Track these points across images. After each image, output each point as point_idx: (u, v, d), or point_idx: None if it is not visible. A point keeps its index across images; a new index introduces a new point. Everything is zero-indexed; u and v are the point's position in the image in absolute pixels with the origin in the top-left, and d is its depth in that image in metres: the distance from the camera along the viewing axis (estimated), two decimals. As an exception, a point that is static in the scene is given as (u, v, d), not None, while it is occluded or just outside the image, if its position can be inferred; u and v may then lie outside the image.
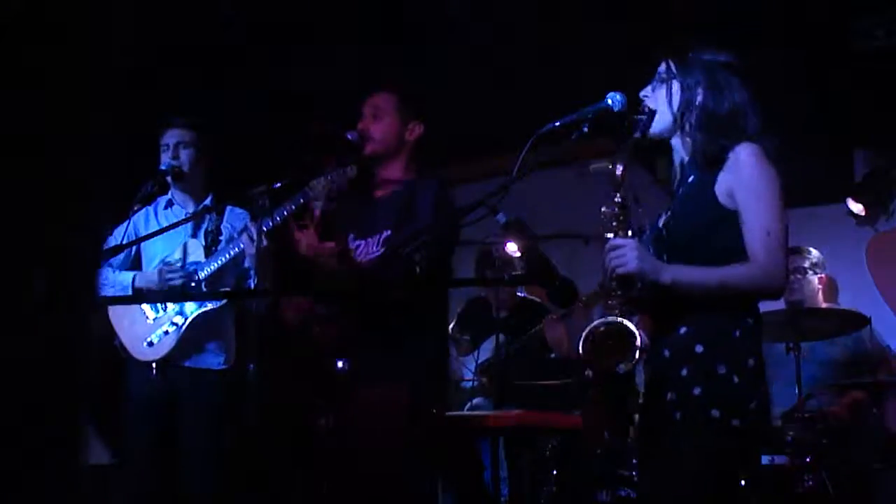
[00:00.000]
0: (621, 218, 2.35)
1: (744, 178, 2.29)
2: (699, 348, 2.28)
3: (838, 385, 4.27)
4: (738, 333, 2.28)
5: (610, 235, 2.34)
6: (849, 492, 3.73)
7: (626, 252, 2.27)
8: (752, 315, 2.33)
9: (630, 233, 2.34)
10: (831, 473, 3.70)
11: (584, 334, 2.30)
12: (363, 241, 3.26)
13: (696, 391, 2.26)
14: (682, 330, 2.32)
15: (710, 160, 2.35)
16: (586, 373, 2.37)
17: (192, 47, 5.17)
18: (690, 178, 2.42)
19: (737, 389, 2.24)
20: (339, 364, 3.24)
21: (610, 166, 2.41)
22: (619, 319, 2.26)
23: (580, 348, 2.29)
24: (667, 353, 2.33)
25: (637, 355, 2.22)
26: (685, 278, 2.27)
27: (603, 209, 2.37)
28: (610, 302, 2.32)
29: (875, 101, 4.79)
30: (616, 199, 2.35)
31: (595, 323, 2.30)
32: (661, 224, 2.44)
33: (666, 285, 2.27)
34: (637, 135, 2.42)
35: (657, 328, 2.37)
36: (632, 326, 2.24)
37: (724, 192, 2.32)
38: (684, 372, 2.29)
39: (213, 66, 5.31)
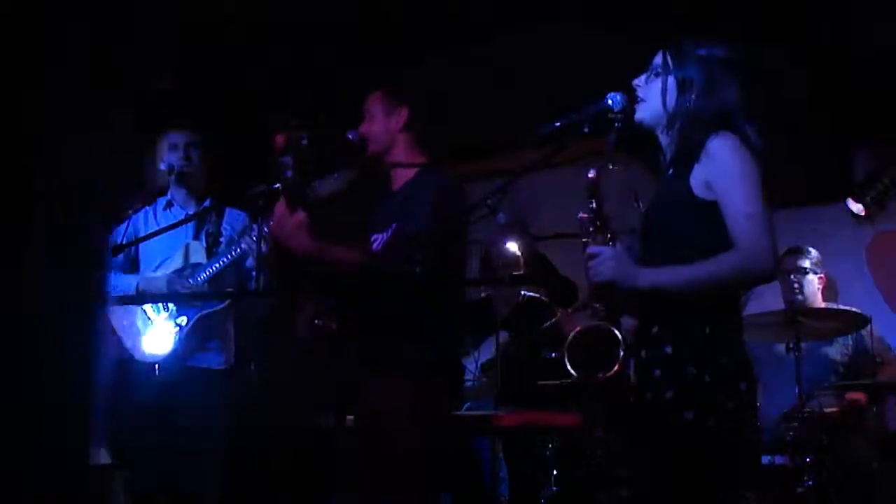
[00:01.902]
0: (598, 223, 2.35)
1: (720, 167, 2.27)
2: (668, 349, 2.26)
3: (838, 385, 4.27)
4: (707, 331, 2.24)
5: (587, 240, 2.35)
6: (849, 492, 3.73)
7: (601, 261, 2.28)
8: (725, 312, 2.29)
9: (609, 235, 2.34)
10: (831, 473, 3.70)
11: (568, 339, 2.31)
12: (379, 235, 3.29)
13: (669, 394, 2.23)
14: (654, 329, 2.31)
15: (687, 155, 2.34)
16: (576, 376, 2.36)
17: (193, 47, 5.17)
18: (669, 172, 2.42)
19: (709, 389, 2.20)
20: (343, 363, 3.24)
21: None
22: (602, 324, 2.27)
23: (565, 354, 2.30)
24: (643, 353, 2.33)
25: (620, 360, 2.22)
26: (667, 280, 2.25)
27: (580, 215, 2.38)
28: (595, 305, 2.32)
29: (875, 100, 4.78)
30: (591, 206, 2.36)
31: (579, 328, 2.31)
32: (642, 220, 2.44)
33: (646, 290, 2.26)
34: (613, 135, 2.41)
35: (639, 327, 2.37)
36: (615, 331, 2.25)
37: (699, 184, 2.30)
38: (657, 373, 2.27)
39: (214, 65, 5.31)
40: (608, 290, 2.29)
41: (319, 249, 3.06)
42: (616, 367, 2.23)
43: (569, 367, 2.31)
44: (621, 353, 2.23)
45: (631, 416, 2.36)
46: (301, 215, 3.02)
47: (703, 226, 2.28)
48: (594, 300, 2.32)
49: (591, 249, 2.32)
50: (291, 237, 3.02)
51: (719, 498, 2.25)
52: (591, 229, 2.36)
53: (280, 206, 3.05)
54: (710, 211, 2.27)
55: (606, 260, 2.28)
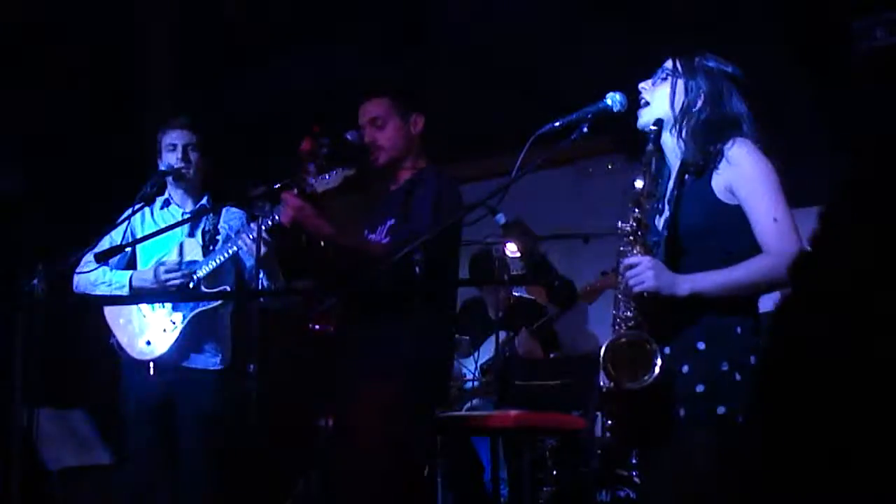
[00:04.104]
0: (639, 233, 2.33)
1: (742, 173, 2.30)
2: (701, 345, 2.29)
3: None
4: (739, 330, 2.29)
5: (627, 249, 2.34)
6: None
7: (641, 270, 2.27)
8: (752, 313, 2.34)
9: (647, 246, 2.33)
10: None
11: (604, 348, 2.31)
12: (373, 233, 3.30)
13: (700, 388, 2.27)
14: (684, 327, 2.33)
15: (702, 165, 2.36)
16: (603, 383, 2.36)
17: (192, 45, 5.18)
18: (686, 179, 2.43)
19: (740, 386, 2.24)
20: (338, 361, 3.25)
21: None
22: (642, 334, 2.28)
23: (601, 360, 2.30)
24: (668, 350, 2.33)
25: (657, 369, 2.23)
26: (705, 285, 2.28)
27: (619, 224, 2.36)
28: (628, 313, 2.32)
29: (875, 101, 4.78)
30: (635, 214, 2.34)
31: (616, 336, 2.31)
32: (661, 226, 2.44)
33: (686, 296, 2.28)
34: (650, 146, 2.40)
35: (660, 325, 2.37)
36: (653, 342, 2.26)
37: (722, 189, 2.32)
38: (685, 369, 2.29)
39: (212, 64, 5.31)
40: (648, 300, 2.29)
41: (337, 234, 3.10)
42: (653, 377, 2.24)
43: (604, 377, 2.31)
44: (658, 363, 2.23)
45: (653, 410, 2.36)
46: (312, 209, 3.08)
47: (728, 229, 2.31)
48: (627, 308, 2.31)
49: (629, 260, 2.31)
50: (311, 222, 3.06)
51: (740, 495, 2.25)
52: (631, 238, 2.34)
53: (293, 196, 3.10)
54: (734, 215, 2.31)
55: (647, 270, 2.27)
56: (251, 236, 3.44)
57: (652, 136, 2.41)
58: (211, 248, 3.76)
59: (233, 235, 3.72)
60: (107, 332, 3.80)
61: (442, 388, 3.50)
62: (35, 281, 3.03)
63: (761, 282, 2.28)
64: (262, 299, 3.66)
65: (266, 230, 3.33)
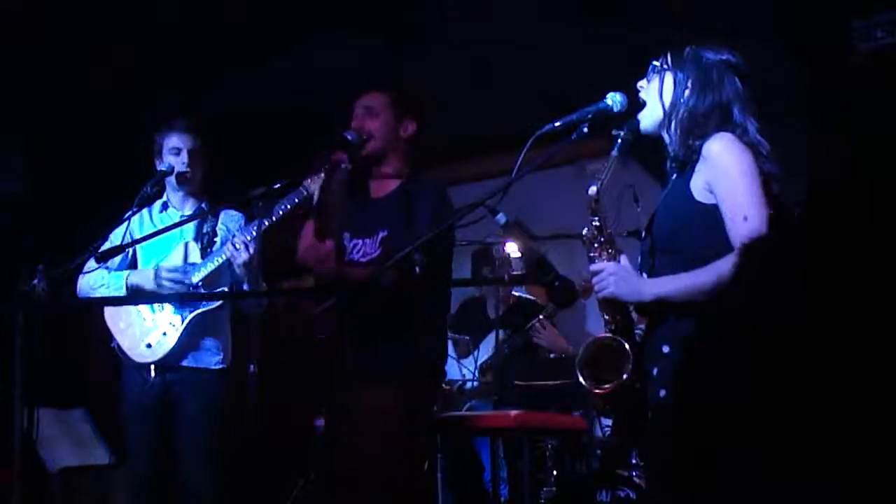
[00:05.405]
0: (602, 240, 2.37)
1: (717, 169, 2.24)
2: (665, 349, 2.27)
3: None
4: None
5: (594, 255, 2.37)
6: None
7: (604, 276, 2.31)
8: None
9: (612, 251, 2.36)
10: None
11: (580, 352, 2.34)
12: (360, 241, 3.27)
13: (662, 393, 2.24)
14: (656, 329, 2.33)
15: (683, 160, 2.34)
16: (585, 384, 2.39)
17: (192, 45, 5.18)
18: (672, 177, 2.42)
19: None
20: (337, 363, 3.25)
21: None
22: (612, 336, 2.31)
23: (577, 366, 2.33)
24: (646, 350, 2.34)
25: (628, 372, 2.25)
26: (671, 289, 2.25)
27: (583, 232, 2.39)
28: (606, 317, 2.34)
29: (875, 101, 4.78)
30: (594, 223, 2.36)
31: (590, 340, 2.35)
32: (646, 226, 2.45)
33: (651, 301, 2.27)
34: (615, 152, 2.39)
35: (647, 327, 2.40)
36: (623, 343, 2.28)
37: (700, 188, 2.28)
38: (654, 372, 2.29)
39: (212, 65, 5.31)
40: (613, 305, 2.33)
41: (343, 274, 3.11)
42: (620, 380, 2.25)
43: (580, 378, 2.33)
44: (629, 366, 2.25)
45: (636, 416, 2.36)
46: (330, 245, 3.09)
47: (705, 230, 2.25)
48: (603, 313, 2.35)
49: (594, 266, 2.35)
50: (320, 264, 3.08)
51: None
52: (595, 245, 2.37)
53: (309, 230, 3.11)
54: (712, 214, 2.25)
55: (609, 276, 2.30)
56: (236, 244, 3.44)
57: (619, 141, 2.39)
58: (209, 250, 3.76)
59: (231, 237, 3.72)
60: (107, 335, 3.80)
61: (437, 390, 3.50)
62: (35, 281, 3.03)
63: (727, 284, 2.24)
64: (246, 306, 3.69)
65: (260, 230, 3.33)
